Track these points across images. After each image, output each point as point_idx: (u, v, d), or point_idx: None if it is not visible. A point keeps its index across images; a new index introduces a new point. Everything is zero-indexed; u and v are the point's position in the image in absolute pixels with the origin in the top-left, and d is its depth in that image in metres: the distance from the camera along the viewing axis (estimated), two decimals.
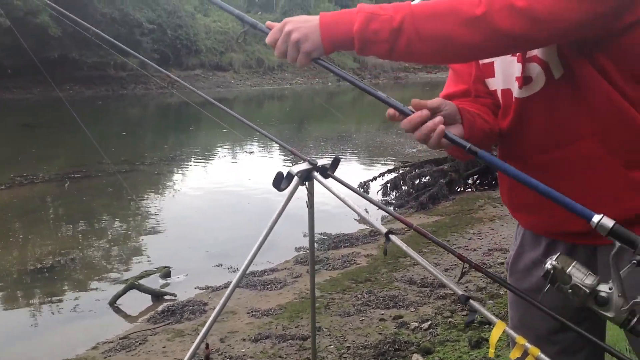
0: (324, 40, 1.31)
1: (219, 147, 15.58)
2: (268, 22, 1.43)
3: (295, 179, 2.19)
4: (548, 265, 1.22)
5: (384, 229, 1.88)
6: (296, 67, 1.34)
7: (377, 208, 8.45)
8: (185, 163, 13.60)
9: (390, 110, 1.34)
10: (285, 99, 34.45)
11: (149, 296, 5.64)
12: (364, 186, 9.56)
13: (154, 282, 6.04)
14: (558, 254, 1.24)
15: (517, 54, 1.44)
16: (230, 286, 2.94)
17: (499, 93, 1.55)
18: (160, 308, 5.34)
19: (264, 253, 5.59)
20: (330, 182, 2.25)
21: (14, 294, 6.00)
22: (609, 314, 1.20)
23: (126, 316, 5.39)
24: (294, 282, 5.78)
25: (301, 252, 6.83)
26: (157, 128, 21.08)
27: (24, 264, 6.68)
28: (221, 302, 2.93)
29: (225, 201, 9.81)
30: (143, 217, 8.91)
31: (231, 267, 6.36)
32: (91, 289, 6.06)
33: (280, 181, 2.15)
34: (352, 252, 6.67)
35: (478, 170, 9.78)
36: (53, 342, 4.88)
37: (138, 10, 34.84)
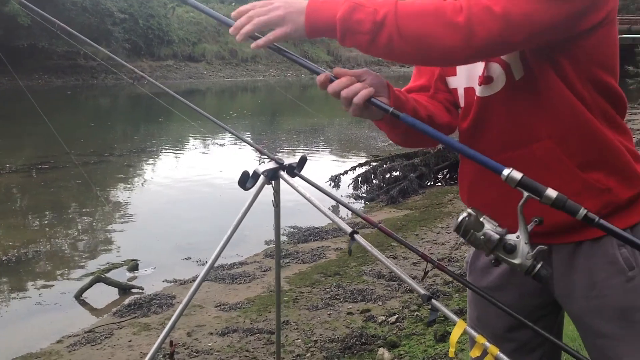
0: (307, 22, 1.30)
1: (190, 138, 15.47)
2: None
3: (262, 178, 2.18)
4: (463, 214, 1.28)
5: (349, 228, 1.88)
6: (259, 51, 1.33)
7: (347, 202, 8.41)
8: (156, 155, 13.48)
9: (320, 77, 1.35)
10: (259, 91, 34.32)
11: (116, 289, 5.58)
12: (335, 180, 9.58)
13: (121, 275, 5.98)
14: (471, 207, 1.31)
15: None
16: (197, 280, 2.93)
17: (460, 92, 1.56)
18: (126, 301, 5.28)
19: (233, 246, 5.60)
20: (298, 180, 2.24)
21: None
22: (515, 261, 1.25)
23: (92, 309, 5.33)
24: (263, 275, 5.76)
25: (271, 246, 6.80)
26: (127, 119, 20.86)
27: None
28: (187, 295, 2.91)
29: (195, 193, 9.74)
30: (111, 209, 8.80)
31: (200, 260, 6.32)
32: (57, 282, 5.97)
33: (246, 180, 2.14)
34: (322, 246, 6.68)
35: (448, 164, 9.85)
36: (17, 335, 4.80)
37: None
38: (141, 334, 4.51)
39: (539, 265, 1.24)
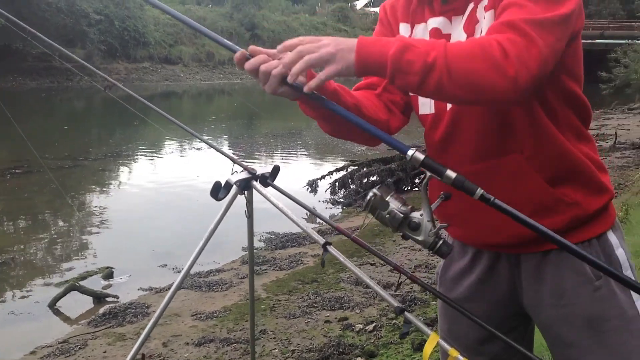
0: (357, 60, 1.28)
1: (166, 142, 15.34)
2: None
3: (234, 188, 2.16)
4: (370, 193, 1.32)
5: (321, 240, 1.88)
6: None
7: (324, 207, 8.35)
8: (132, 159, 13.36)
9: (237, 54, 1.36)
10: (236, 94, 34.17)
11: (90, 298, 5.50)
12: (313, 184, 9.57)
13: (96, 283, 5.90)
14: (379, 186, 1.36)
15: None
16: (172, 288, 2.89)
17: (423, 100, 1.55)
18: (101, 310, 5.21)
19: (209, 253, 5.56)
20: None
21: None
22: (419, 238, 1.31)
23: (66, 319, 5.25)
24: (240, 282, 5.73)
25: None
26: (102, 122, 20.65)
27: None
28: (162, 305, 2.87)
29: (172, 198, 9.67)
30: (86, 215, 8.70)
31: (176, 268, 6.26)
32: (30, 291, 5.87)
33: (218, 190, 2.12)
34: (300, 252, 6.66)
35: None
36: None
37: (85, 0, 34.07)
38: (116, 345, 4.46)
39: (440, 242, 1.30)
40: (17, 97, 24.04)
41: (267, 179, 2.21)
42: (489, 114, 1.44)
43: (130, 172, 12.25)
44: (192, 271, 6.04)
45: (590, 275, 1.45)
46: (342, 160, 12.25)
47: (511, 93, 1.25)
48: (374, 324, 4.52)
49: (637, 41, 15.44)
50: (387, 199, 1.32)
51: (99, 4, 35.28)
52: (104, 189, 10.68)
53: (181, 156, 14.02)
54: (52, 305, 5.37)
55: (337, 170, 10.09)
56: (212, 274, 6.06)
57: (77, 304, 5.42)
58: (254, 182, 2.21)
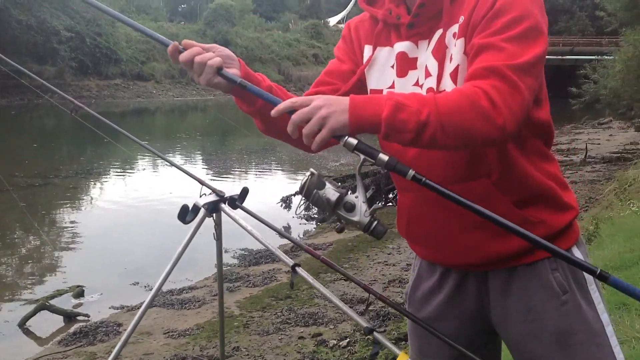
0: (351, 121, 1.30)
1: (138, 159, 15.22)
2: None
3: (202, 211, 2.15)
4: (307, 174, 1.35)
5: (290, 261, 1.88)
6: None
7: (298, 223, 8.35)
8: (103, 176, 13.22)
9: (170, 47, 1.41)
10: (209, 110, 34.06)
11: (61, 317, 5.41)
12: (287, 200, 9.57)
13: (67, 301, 5.81)
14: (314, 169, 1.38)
15: (426, 87, 1.48)
16: (143, 306, 2.87)
17: None
18: (72, 329, 5.13)
19: (182, 270, 5.53)
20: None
21: None
22: (354, 218, 1.33)
23: (36, 338, 5.15)
24: (213, 300, 5.68)
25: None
26: (73, 139, 20.37)
27: None
28: (132, 323, 2.85)
29: (145, 216, 9.58)
30: (57, 233, 8.58)
31: (148, 285, 6.19)
32: None
33: (185, 214, 2.10)
34: (274, 268, 6.64)
35: None
36: None
37: (55, 17, 33.85)
38: None
39: (375, 222, 1.33)
40: None
41: (236, 201, 2.20)
42: None
43: (101, 189, 12.13)
44: (164, 289, 6.00)
45: (557, 290, 1.48)
46: None
47: (500, 138, 1.33)
48: (348, 339, 4.51)
49: (606, 57, 15.71)
50: (323, 179, 1.34)
51: (70, 21, 35.05)
52: (75, 207, 10.55)
53: (153, 173, 13.91)
54: (22, 324, 5.28)
55: None
56: (184, 291, 6.01)
57: (47, 323, 5.33)
58: (222, 205, 2.20)
